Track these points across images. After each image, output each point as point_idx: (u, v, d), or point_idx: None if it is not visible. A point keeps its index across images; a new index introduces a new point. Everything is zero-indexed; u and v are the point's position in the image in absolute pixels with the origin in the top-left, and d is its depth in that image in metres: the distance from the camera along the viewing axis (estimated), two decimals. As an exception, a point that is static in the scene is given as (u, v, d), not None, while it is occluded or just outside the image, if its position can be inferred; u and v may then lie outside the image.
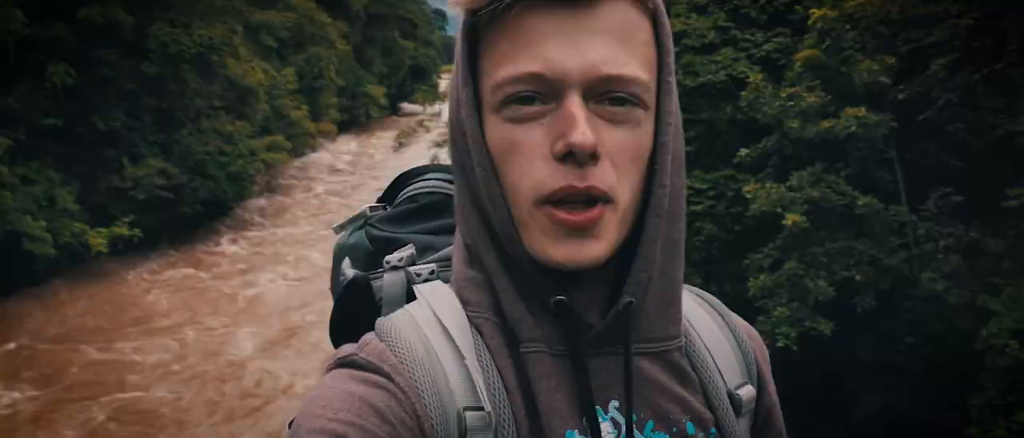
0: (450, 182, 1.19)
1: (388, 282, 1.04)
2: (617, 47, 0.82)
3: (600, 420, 0.87)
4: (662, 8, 0.88)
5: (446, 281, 0.98)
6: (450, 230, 1.06)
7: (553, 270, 0.84)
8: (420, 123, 26.39)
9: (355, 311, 1.04)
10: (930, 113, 14.61)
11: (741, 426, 0.98)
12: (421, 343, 0.87)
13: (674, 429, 0.91)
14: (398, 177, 1.33)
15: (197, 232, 27.05)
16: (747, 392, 0.99)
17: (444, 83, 30.73)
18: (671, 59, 0.88)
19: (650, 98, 0.85)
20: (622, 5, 0.84)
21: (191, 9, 26.52)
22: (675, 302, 0.93)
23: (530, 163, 0.83)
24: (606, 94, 0.82)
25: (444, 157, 25.03)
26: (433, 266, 1.03)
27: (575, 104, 0.80)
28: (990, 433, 11.58)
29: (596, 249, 0.83)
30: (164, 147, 26.30)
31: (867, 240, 14.08)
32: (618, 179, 0.83)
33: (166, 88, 26.11)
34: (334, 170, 38.54)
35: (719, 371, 0.98)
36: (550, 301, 0.85)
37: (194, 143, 27.04)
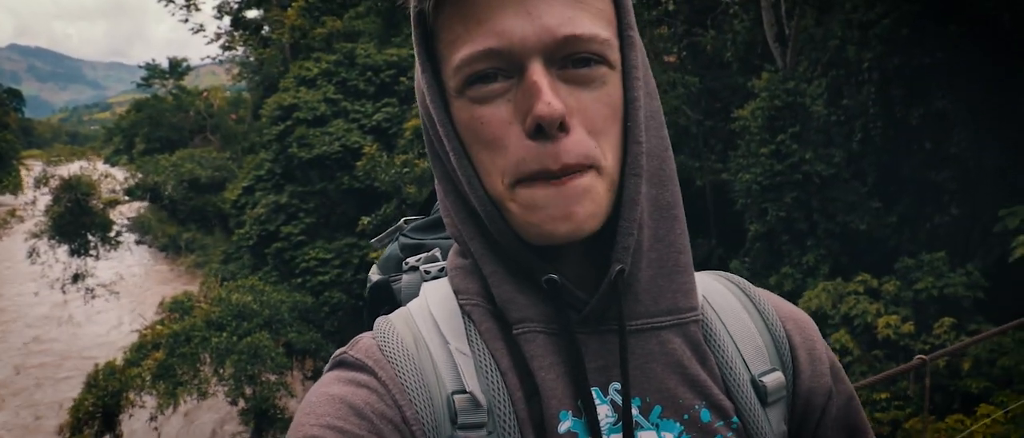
0: None
1: (405, 283, 1.07)
2: (572, 7, 0.79)
3: (599, 402, 0.83)
4: None
5: None
6: None
7: (540, 247, 0.82)
8: (12, 213, 23.55)
9: (379, 312, 1.03)
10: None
11: (773, 416, 0.90)
12: (411, 335, 0.88)
13: (686, 416, 0.85)
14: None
15: None
16: (774, 379, 0.91)
17: (37, 168, 27.81)
18: (630, 14, 0.86)
19: (614, 55, 0.82)
20: None
21: None
22: (681, 271, 0.88)
23: (501, 142, 0.80)
24: (568, 57, 0.79)
25: (44, 248, 22.53)
26: (442, 264, 1.03)
27: (537, 72, 0.77)
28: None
29: (588, 208, 0.79)
30: None
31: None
32: (598, 143, 0.80)
33: None
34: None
35: (741, 355, 0.91)
36: (541, 279, 0.83)
37: None
